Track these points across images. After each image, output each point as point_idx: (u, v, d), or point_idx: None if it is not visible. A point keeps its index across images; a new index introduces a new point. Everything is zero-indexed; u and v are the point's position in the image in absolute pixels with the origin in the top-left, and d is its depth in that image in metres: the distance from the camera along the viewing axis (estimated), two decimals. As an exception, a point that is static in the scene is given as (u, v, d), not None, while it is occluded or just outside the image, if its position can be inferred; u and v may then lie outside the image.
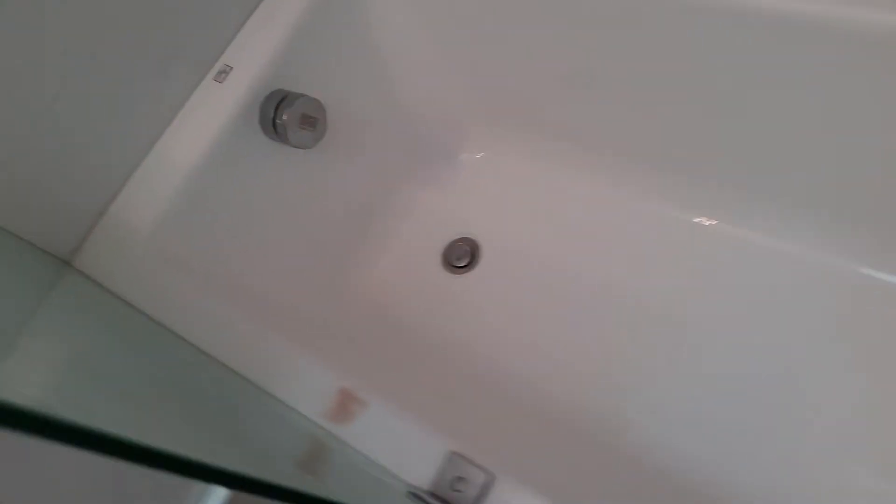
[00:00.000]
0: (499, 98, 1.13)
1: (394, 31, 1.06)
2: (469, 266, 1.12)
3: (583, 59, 0.99)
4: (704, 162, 1.01)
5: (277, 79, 0.95)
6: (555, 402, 0.96)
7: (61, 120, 0.81)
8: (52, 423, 0.29)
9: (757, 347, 0.95)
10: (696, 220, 1.04)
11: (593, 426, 0.93)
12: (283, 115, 0.94)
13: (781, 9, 0.76)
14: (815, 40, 0.77)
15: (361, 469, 0.62)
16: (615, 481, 0.87)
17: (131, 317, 0.77)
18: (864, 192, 0.90)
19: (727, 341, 0.96)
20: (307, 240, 1.06)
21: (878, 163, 0.86)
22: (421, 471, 0.62)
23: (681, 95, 0.95)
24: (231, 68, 0.96)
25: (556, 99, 1.07)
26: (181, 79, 0.94)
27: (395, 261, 1.14)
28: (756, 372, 0.94)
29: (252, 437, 0.57)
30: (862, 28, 0.73)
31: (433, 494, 0.60)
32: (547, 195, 1.13)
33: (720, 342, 0.97)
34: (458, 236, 1.14)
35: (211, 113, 0.93)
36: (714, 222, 1.03)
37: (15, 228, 0.82)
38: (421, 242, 1.15)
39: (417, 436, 0.64)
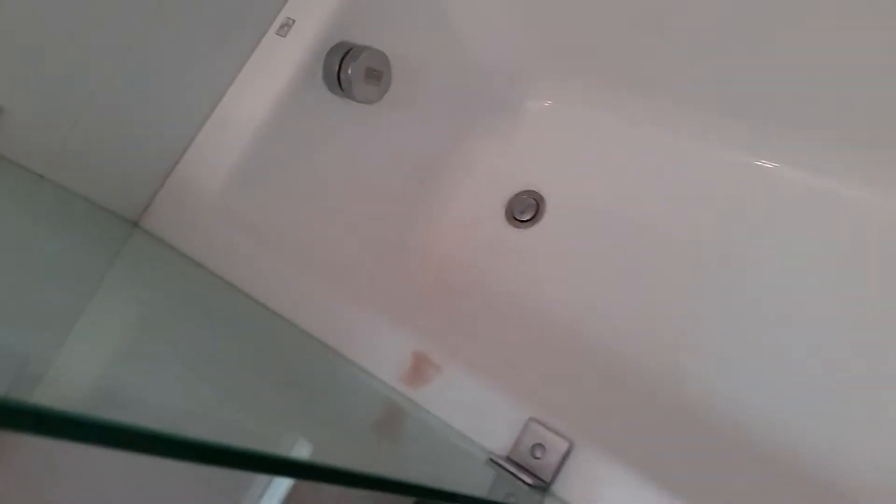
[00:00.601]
0: (565, 45, 1.09)
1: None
2: (534, 220, 1.09)
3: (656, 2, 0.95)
4: (768, 105, 0.97)
5: (341, 31, 0.93)
6: (628, 361, 0.94)
7: (130, 76, 0.81)
8: (129, 434, 0.28)
9: (829, 296, 0.92)
10: (759, 163, 1.00)
11: (671, 388, 0.91)
12: (349, 70, 0.91)
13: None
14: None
15: (438, 434, 0.62)
16: (695, 445, 0.85)
17: (201, 278, 0.78)
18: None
19: (803, 293, 0.93)
20: (373, 197, 1.05)
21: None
22: (499, 437, 0.61)
23: (747, 36, 0.91)
24: (293, 21, 0.94)
25: (623, 44, 1.04)
26: (242, 35, 0.93)
27: (458, 216, 1.12)
28: (833, 324, 0.90)
29: (333, 406, 0.57)
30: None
31: (511, 461, 0.59)
32: (612, 145, 1.10)
33: (795, 294, 0.93)
34: (522, 189, 1.11)
35: (274, 69, 0.91)
36: (776, 165, 0.99)
37: (84, 191, 0.82)
38: (484, 196, 1.12)
39: (494, 401, 0.63)
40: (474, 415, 0.63)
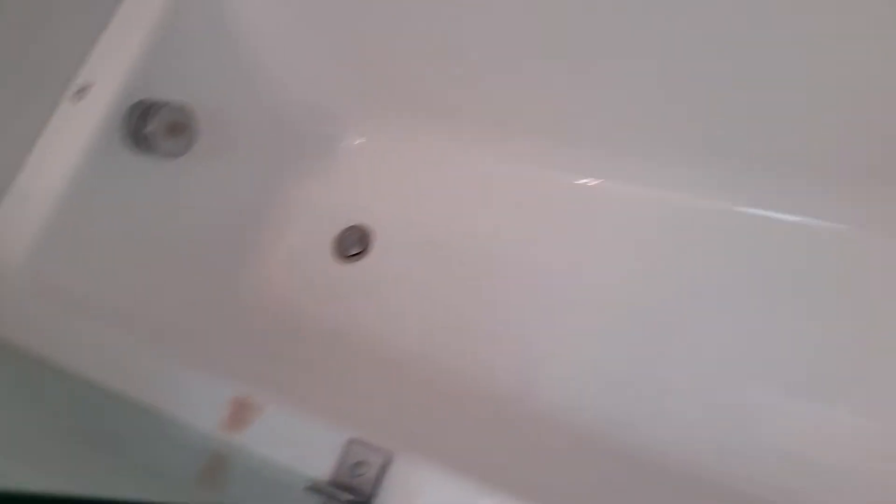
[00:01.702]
0: (375, 83, 1.13)
1: (258, 24, 1.05)
2: (362, 253, 1.12)
3: (451, 33, 1.00)
4: (581, 124, 1.04)
5: (140, 89, 0.93)
6: (456, 375, 0.98)
7: None
8: None
9: (650, 293, 1.00)
10: (581, 181, 1.08)
11: (499, 395, 0.96)
12: (149, 127, 0.91)
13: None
14: None
15: (262, 472, 0.63)
16: (522, 444, 0.91)
17: (6, 353, 0.75)
18: (730, 135, 0.96)
19: (622, 294, 1.01)
20: (190, 250, 1.05)
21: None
22: (321, 463, 0.63)
23: (554, 60, 0.98)
24: (90, 84, 0.93)
25: (430, 76, 1.08)
26: (37, 103, 0.91)
27: (285, 259, 1.14)
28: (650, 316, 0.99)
29: (146, 461, 0.57)
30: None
31: (334, 483, 0.61)
32: (431, 172, 1.15)
33: (614, 294, 1.01)
34: (348, 225, 1.15)
35: (72, 135, 0.90)
36: (599, 181, 1.07)
37: None
38: (310, 236, 1.15)
39: (315, 430, 0.65)
40: (297, 446, 0.64)
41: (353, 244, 1.13)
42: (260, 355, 1.00)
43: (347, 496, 0.58)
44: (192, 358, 0.76)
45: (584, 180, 1.08)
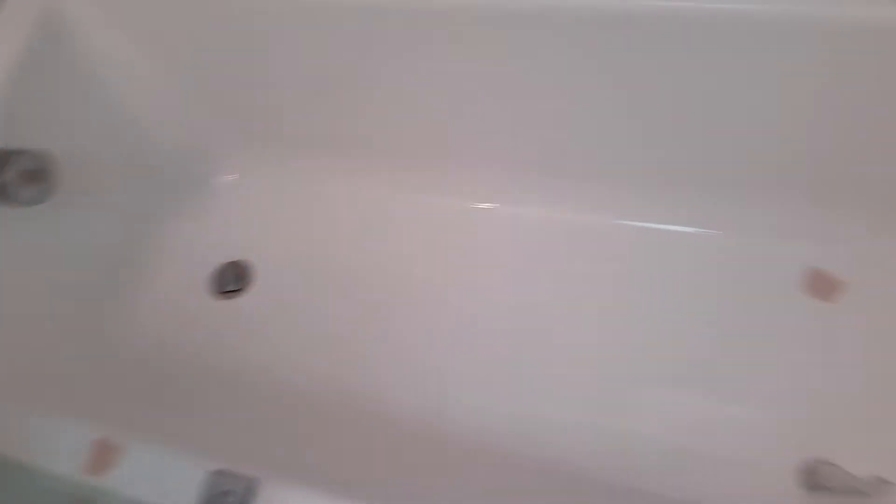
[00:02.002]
0: (242, 118, 1.13)
1: (119, 65, 1.04)
2: (241, 289, 1.12)
3: (321, 66, 1.00)
4: (474, 150, 1.07)
5: (-1, 138, 0.90)
6: (338, 398, 1.00)
7: None
8: None
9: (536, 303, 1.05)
10: (477, 206, 1.11)
11: (389, 416, 0.98)
12: (4, 176, 0.90)
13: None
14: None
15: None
16: (391, 456, 0.93)
17: None
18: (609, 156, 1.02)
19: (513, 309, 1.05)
20: (55, 295, 1.02)
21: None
22: (186, 496, 0.63)
23: (419, 90, 0.99)
24: (-60, 139, 0.90)
25: (302, 110, 1.09)
26: None
27: (159, 299, 1.12)
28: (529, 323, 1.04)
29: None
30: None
31: (201, 515, 0.62)
32: (311, 205, 1.16)
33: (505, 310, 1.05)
34: (226, 261, 1.14)
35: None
36: (494, 206, 1.11)
37: None
38: (184, 275, 1.14)
39: (179, 464, 0.65)
40: (161, 483, 0.64)
41: (231, 281, 1.13)
42: (130, 395, 0.99)
43: (211, 525, 0.59)
44: (54, 403, 0.74)
45: (481, 205, 1.11)
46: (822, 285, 0.99)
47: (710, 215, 1.03)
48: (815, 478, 0.87)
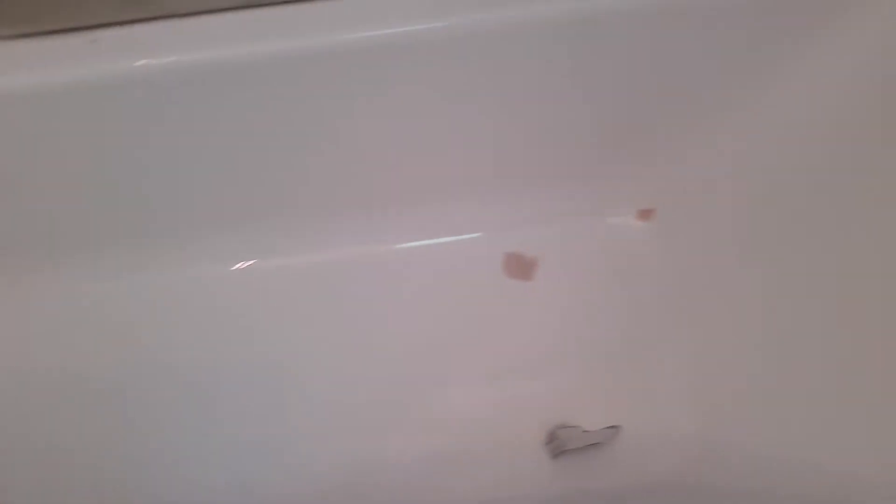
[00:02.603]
0: None
1: None
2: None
3: None
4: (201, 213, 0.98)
5: None
6: None
7: None
8: None
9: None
10: (234, 267, 1.04)
11: None
12: None
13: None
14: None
15: None
16: None
17: None
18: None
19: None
20: None
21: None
22: None
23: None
24: None
25: None
26: None
27: None
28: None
29: None
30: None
31: None
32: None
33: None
34: None
35: None
36: (251, 262, 1.05)
37: None
38: None
39: None
40: None
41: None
42: None
43: None
44: None
45: (237, 265, 1.05)
46: (518, 266, 1.07)
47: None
48: (557, 444, 0.94)
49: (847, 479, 0.73)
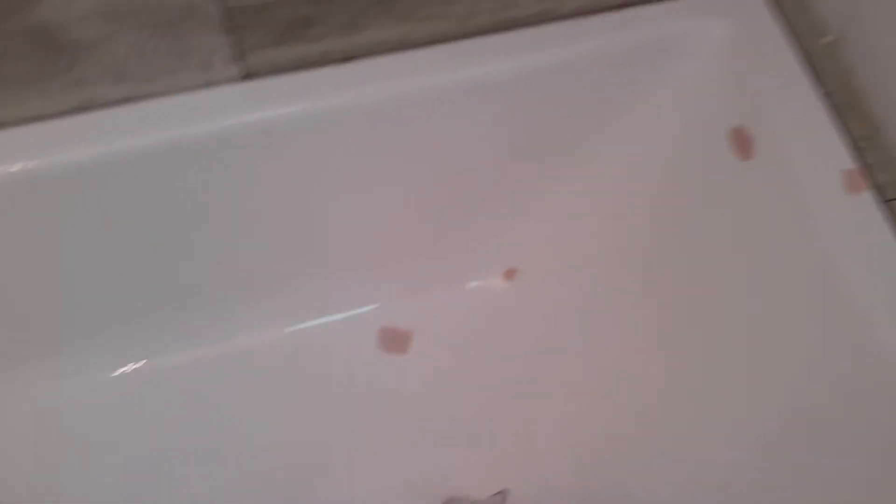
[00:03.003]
0: None
1: None
2: None
3: None
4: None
5: None
6: None
7: None
8: None
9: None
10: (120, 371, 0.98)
11: None
12: None
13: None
14: None
15: None
16: None
17: None
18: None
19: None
20: None
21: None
22: None
23: None
24: None
25: None
26: None
27: None
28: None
29: None
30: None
31: None
32: None
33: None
34: None
35: None
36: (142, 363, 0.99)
37: None
38: None
39: None
40: None
41: None
42: None
43: None
44: None
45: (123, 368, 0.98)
46: (394, 341, 1.07)
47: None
48: (450, 515, 0.93)
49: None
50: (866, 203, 0.75)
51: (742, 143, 0.81)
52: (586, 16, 0.80)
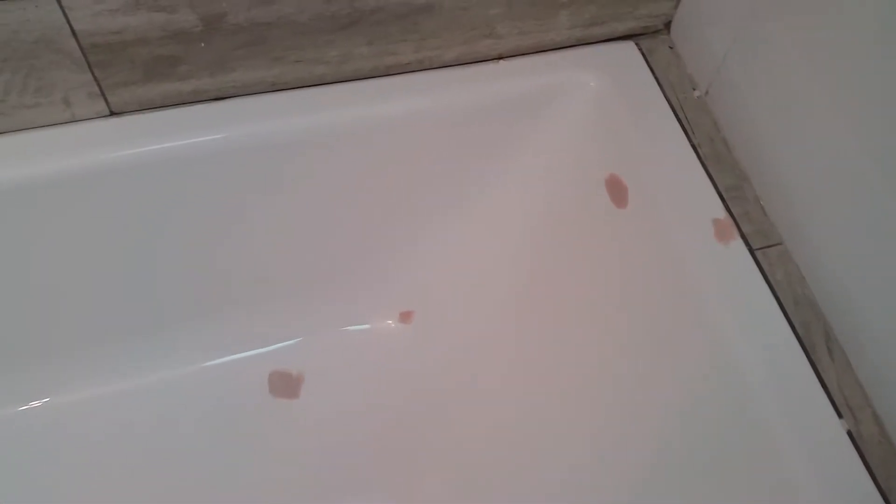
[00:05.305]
0: None
1: None
2: None
3: None
4: None
5: None
6: None
7: None
8: None
9: None
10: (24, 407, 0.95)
11: None
12: None
13: None
14: None
15: None
16: None
17: None
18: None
19: None
20: None
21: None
22: None
23: None
24: None
25: None
26: None
27: None
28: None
29: None
30: None
31: None
32: None
33: None
34: None
35: None
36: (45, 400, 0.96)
37: None
38: None
39: None
40: None
41: None
42: None
43: None
44: None
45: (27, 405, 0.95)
46: (284, 385, 1.04)
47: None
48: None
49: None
50: (738, 251, 0.77)
51: (617, 190, 0.83)
52: (466, 65, 0.81)
